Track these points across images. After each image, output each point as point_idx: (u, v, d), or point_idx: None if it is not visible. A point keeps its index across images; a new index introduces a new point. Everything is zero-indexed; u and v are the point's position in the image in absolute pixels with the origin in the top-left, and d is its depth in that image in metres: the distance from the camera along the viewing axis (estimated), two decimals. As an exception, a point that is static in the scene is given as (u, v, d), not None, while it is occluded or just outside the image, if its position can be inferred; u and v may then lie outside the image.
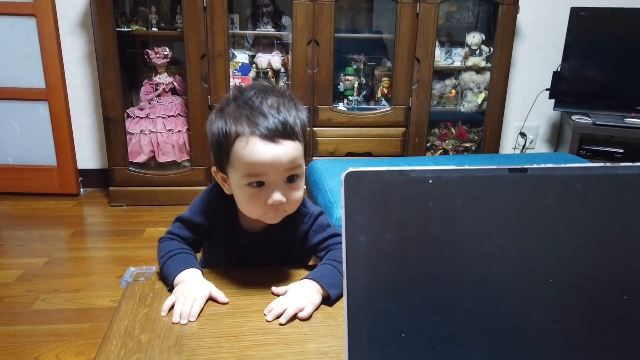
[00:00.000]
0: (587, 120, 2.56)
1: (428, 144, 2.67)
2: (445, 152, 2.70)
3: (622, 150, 2.54)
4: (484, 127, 2.65)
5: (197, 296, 0.75)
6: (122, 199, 2.50)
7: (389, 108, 2.55)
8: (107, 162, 2.53)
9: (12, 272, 1.84)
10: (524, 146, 2.93)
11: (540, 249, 0.49)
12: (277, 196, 0.76)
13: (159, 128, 2.46)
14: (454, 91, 2.67)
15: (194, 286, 0.77)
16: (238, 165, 0.76)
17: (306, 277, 0.79)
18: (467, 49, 2.61)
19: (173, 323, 0.72)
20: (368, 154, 2.54)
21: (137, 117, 2.48)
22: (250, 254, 0.90)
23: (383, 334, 0.48)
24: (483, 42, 2.60)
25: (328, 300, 0.77)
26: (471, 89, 2.65)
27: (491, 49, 2.57)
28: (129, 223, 2.31)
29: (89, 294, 1.72)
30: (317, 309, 0.76)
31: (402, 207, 0.47)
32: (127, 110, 2.48)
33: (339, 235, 0.86)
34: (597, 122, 2.50)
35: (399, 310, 0.48)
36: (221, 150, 0.77)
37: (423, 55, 2.46)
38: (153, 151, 2.49)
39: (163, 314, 0.74)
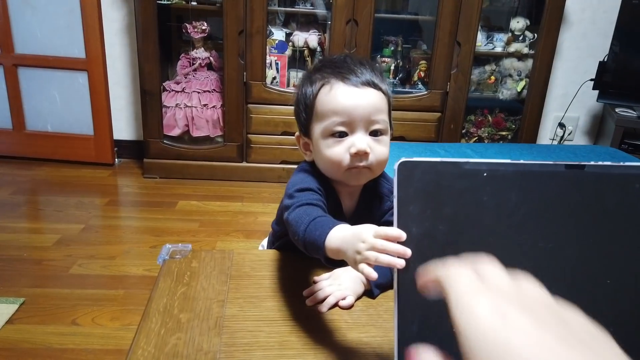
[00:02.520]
0: (631, 113, 2.47)
1: (463, 131, 2.62)
2: (480, 139, 2.65)
3: (667, 147, 2.45)
4: (522, 116, 2.58)
5: (377, 230, 0.55)
6: (155, 171, 2.55)
7: (425, 92, 2.50)
8: (141, 134, 2.58)
9: (50, 237, 1.91)
10: (562, 137, 2.84)
11: (597, 248, 0.47)
12: (361, 144, 0.73)
13: (194, 102, 2.48)
14: (493, 77, 2.60)
15: (360, 233, 0.57)
16: (321, 114, 0.76)
17: None
18: (510, 34, 2.53)
19: (400, 268, 0.47)
20: (401, 138, 2.51)
21: (173, 90, 2.50)
22: None
23: (433, 327, 0.46)
24: (527, 28, 2.51)
25: (371, 292, 0.77)
26: (511, 76, 2.57)
27: (535, 35, 2.48)
28: (162, 195, 2.36)
29: (124, 262, 1.78)
30: (358, 299, 0.76)
31: (456, 199, 0.46)
32: (164, 84, 2.50)
33: None
34: (643, 116, 2.40)
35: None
36: (306, 108, 0.78)
37: (464, 39, 2.39)
38: (187, 125, 2.52)
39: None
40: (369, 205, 0.85)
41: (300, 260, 0.82)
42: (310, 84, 0.78)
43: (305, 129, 0.80)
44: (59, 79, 2.53)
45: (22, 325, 1.41)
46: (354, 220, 0.84)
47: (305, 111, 0.79)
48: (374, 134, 0.75)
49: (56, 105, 2.58)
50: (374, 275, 0.54)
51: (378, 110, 0.75)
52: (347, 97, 0.74)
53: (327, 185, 0.81)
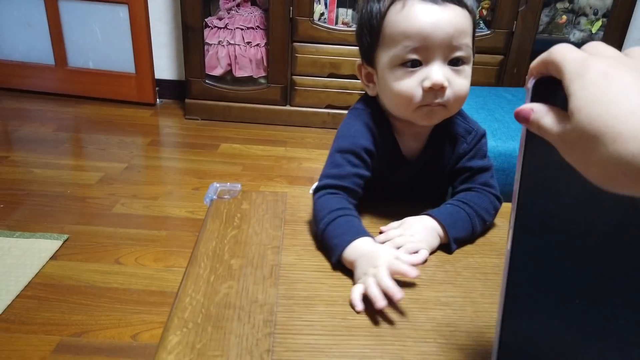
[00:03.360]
0: None
1: (526, 77, 2.40)
2: (544, 87, 2.42)
3: None
4: (594, 61, 2.33)
5: (391, 262, 0.56)
6: (197, 112, 2.47)
7: (488, 32, 2.28)
8: (183, 73, 2.49)
9: (93, 174, 1.88)
10: (636, 87, 2.57)
11: None
12: (438, 76, 0.60)
13: (237, 40, 2.35)
14: (564, 17, 2.33)
15: (377, 257, 0.57)
16: (390, 39, 0.62)
17: (430, 213, 0.66)
18: (589, -34, 2.24)
19: (380, 307, 0.53)
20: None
21: (215, 27, 2.37)
22: (407, 183, 0.76)
23: (542, 298, 0.42)
24: (610, -41, 2.22)
25: (448, 246, 0.66)
26: (586, 15, 2.31)
27: (619, -33, 2.19)
28: (204, 137, 2.29)
29: (166, 202, 1.73)
30: (432, 253, 0.65)
31: None
32: (206, 20, 2.37)
33: (491, 172, 0.73)
34: None
35: (566, 279, 0.40)
36: (372, 30, 0.65)
37: (537, -29, 2.14)
38: (230, 65, 2.41)
39: (358, 308, 0.55)
40: (440, 149, 0.72)
41: (361, 208, 0.72)
42: (379, 1, 0.64)
43: (369, 57, 0.67)
44: (99, 12, 2.44)
45: (66, 262, 1.39)
46: (420, 166, 0.73)
47: (370, 34, 0.65)
48: (454, 62, 0.62)
49: (97, 41, 2.50)
50: (358, 307, 0.55)
51: (461, 33, 0.61)
52: (424, 17, 0.60)
53: (385, 130, 0.70)
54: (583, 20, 2.31)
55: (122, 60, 2.53)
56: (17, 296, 1.24)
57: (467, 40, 0.63)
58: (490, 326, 0.55)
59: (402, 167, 0.73)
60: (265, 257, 0.65)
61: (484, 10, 2.34)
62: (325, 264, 0.64)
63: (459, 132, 0.71)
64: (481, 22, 2.35)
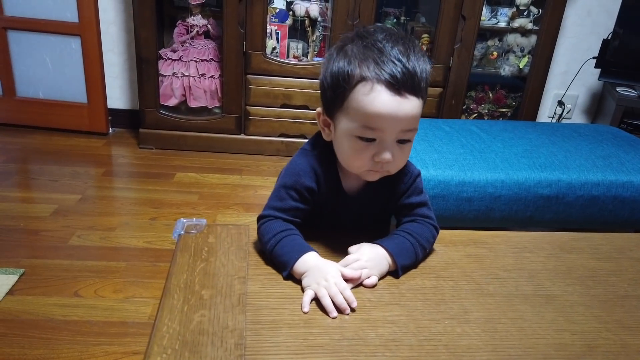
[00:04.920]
0: (632, 93, 2.47)
1: (463, 107, 2.60)
2: (480, 116, 2.64)
3: (665, 127, 2.46)
4: (523, 92, 2.57)
5: (338, 282, 0.69)
6: (151, 142, 2.50)
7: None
8: (136, 102, 2.51)
9: (46, 207, 1.87)
10: (560, 115, 2.84)
11: None
12: (387, 156, 0.70)
13: (191, 72, 2.42)
14: (495, 53, 2.57)
15: (325, 272, 0.70)
16: (354, 114, 0.70)
17: (381, 244, 0.76)
18: (514, 9, 2.48)
19: (333, 318, 0.66)
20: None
21: (169, 59, 2.43)
22: (347, 216, 0.85)
23: None
24: (532, 3, 2.47)
25: (395, 272, 0.76)
26: (514, 52, 2.55)
27: (540, 10, 2.45)
28: (159, 166, 2.32)
29: (123, 233, 1.75)
30: (382, 278, 0.76)
31: None
32: (160, 52, 2.42)
33: (428, 206, 0.84)
34: (643, 96, 2.41)
35: None
36: (337, 92, 0.71)
37: (469, 13, 2.35)
38: (184, 95, 2.46)
39: (305, 309, 0.67)
40: (379, 188, 0.81)
41: (318, 237, 0.81)
42: (347, 62, 0.70)
43: (330, 111, 0.75)
44: (50, 43, 2.44)
45: (23, 297, 1.39)
46: (361, 201, 0.84)
47: (335, 94, 0.72)
48: (402, 141, 0.72)
49: (48, 72, 2.49)
50: (305, 309, 0.68)
51: (414, 120, 0.70)
52: (386, 106, 0.67)
53: (330, 169, 0.80)
54: (512, 56, 2.55)
55: (73, 90, 2.52)
56: (-26, 333, 1.23)
57: (417, 124, 0.72)
58: (429, 339, 0.65)
59: (344, 202, 0.83)
60: (232, 286, 0.72)
61: (423, 46, 2.53)
62: (287, 291, 0.72)
63: (396, 175, 0.79)
64: (422, 57, 2.54)
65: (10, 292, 1.39)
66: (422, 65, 0.70)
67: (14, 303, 1.36)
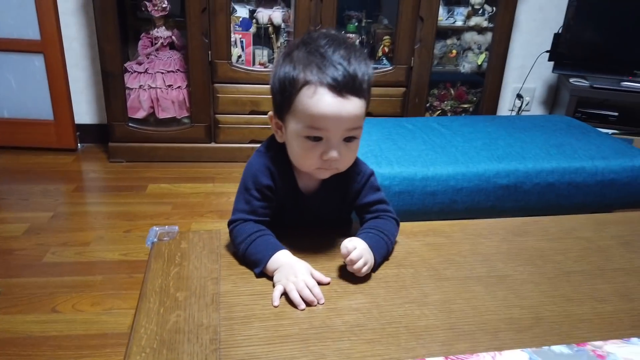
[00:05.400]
0: (584, 83, 2.59)
1: (427, 105, 2.69)
2: (444, 112, 2.73)
3: (616, 114, 2.60)
4: (482, 88, 2.67)
5: (306, 279, 0.74)
6: (121, 155, 2.50)
7: (390, 67, 2.54)
8: (103, 117, 2.52)
9: (18, 226, 1.86)
10: (520, 108, 2.96)
11: None
12: (333, 154, 0.75)
13: (158, 84, 2.44)
14: (454, 51, 2.66)
15: (295, 269, 0.75)
16: (300, 115, 0.74)
17: (364, 240, 0.80)
18: (470, 8, 2.59)
19: (301, 310, 0.71)
20: (368, 114, 2.54)
21: (135, 71, 2.44)
22: (305, 213, 0.90)
23: None
24: (486, 2, 2.58)
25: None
26: (472, 50, 2.65)
27: (494, 8, 2.55)
28: (131, 179, 2.33)
29: (99, 247, 1.76)
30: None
31: None
32: (125, 65, 2.44)
33: (386, 202, 0.89)
34: (594, 85, 2.54)
35: None
36: (285, 96, 0.76)
37: (427, 14, 2.44)
38: (153, 107, 2.48)
39: (275, 303, 0.72)
40: (333, 187, 0.86)
41: (285, 236, 0.86)
42: (293, 67, 0.74)
43: (280, 114, 0.79)
44: (13, 62, 2.42)
45: (1, 316, 1.39)
46: (317, 200, 0.88)
47: (283, 98, 0.76)
48: (348, 138, 0.77)
49: (12, 90, 2.47)
50: (275, 303, 0.73)
51: (357, 119, 0.75)
52: (330, 108, 0.72)
53: (286, 170, 0.84)
54: (470, 53, 2.65)
55: (39, 107, 2.51)
56: (-48, 355, 1.23)
57: (361, 123, 0.76)
58: (391, 322, 0.70)
59: (301, 200, 0.87)
60: (206, 287, 0.76)
61: (385, 48, 2.61)
62: (258, 288, 0.76)
63: (349, 174, 0.85)
64: (384, 58, 2.62)
65: (-14, 313, 1.40)
66: (363, 68, 0.74)
67: (-9, 323, 1.36)
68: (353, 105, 0.73)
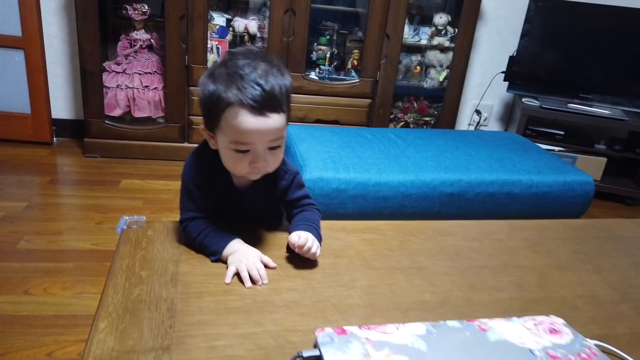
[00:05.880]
0: (534, 103, 2.81)
1: (391, 116, 2.86)
2: (407, 124, 2.90)
3: (562, 133, 2.81)
4: (443, 103, 2.86)
5: (255, 262, 0.86)
6: (96, 150, 2.60)
7: (357, 80, 2.71)
8: (80, 113, 2.61)
9: (-7, 214, 1.95)
10: (478, 123, 3.16)
11: None
12: (261, 163, 0.86)
13: (135, 84, 2.54)
14: (418, 67, 2.84)
15: (247, 254, 0.87)
16: (226, 132, 0.83)
17: (307, 231, 0.93)
18: (434, 28, 2.77)
19: (247, 288, 0.83)
20: (335, 122, 2.71)
21: (113, 71, 2.54)
22: (242, 208, 1.02)
23: None
24: (449, 23, 2.77)
25: None
26: (434, 67, 2.83)
27: (456, 30, 2.74)
28: (104, 174, 2.43)
29: (71, 237, 1.86)
30: None
31: None
32: (104, 64, 2.53)
33: (310, 196, 1.04)
34: (544, 106, 2.75)
35: None
36: (211, 113, 0.84)
37: (392, 32, 2.61)
38: (129, 106, 2.58)
39: (227, 281, 0.84)
40: (264, 184, 0.98)
41: (239, 229, 0.99)
42: (216, 88, 0.81)
43: (209, 126, 0.88)
44: (-7, 56, 2.50)
45: (-25, 297, 1.49)
46: (251, 196, 1.00)
47: (210, 115, 0.85)
48: (272, 148, 0.87)
49: (-9, 83, 2.55)
50: (228, 280, 0.85)
51: (278, 131, 0.84)
52: (252, 126, 0.80)
53: (221, 170, 0.92)
54: (433, 70, 2.84)
55: (17, 101, 2.58)
56: None
57: (283, 133, 0.86)
58: (322, 300, 0.84)
59: (237, 196, 0.99)
60: (167, 268, 0.89)
61: (355, 61, 2.77)
62: (212, 270, 0.89)
63: (277, 173, 0.96)
64: (352, 71, 2.79)
65: (-39, 293, 1.49)
66: (280, 83, 0.83)
67: (-35, 302, 1.45)
68: (273, 121, 0.82)
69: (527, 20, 2.74)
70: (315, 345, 0.71)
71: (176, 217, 2.07)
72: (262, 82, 0.80)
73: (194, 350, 0.70)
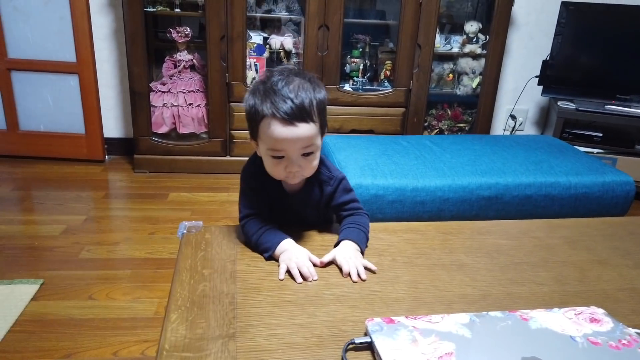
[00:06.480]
0: (571, 105, 2.80)
1: (425, 124, 2.91)
2: (441, 131, 2.94)
3: (601, 134, 2.79)
4: (477, 109, 2.89)
5: (304, 260, 0.93)
6: (145, 166, 2.75)
7: (391, 89, 2.77)
8: (130, 131, 2.77)
9: (56, 227, 2.10)
10: (513, 127, 3.16)
11: None
12: (294, 168, 0.95)
13: (180, 102, 2.69)
14: (451, 75, 2.89)
15: (297, 253, 0.95)
16: (264, 140, 0.94)
17: (344, 239, 1.01)
18: (465, 36, 2.82)
19: (298, 283, 0.91)
20: (370, 132, 2.78)
21: (159, 91, 2.70)
22: (291, 210, 1.10)
23: None
24: (480, 31, 2.80)
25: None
26: (467, 74, 2.87)
27: (487, 37, 2.78)
28: (154, 188, 2.57)
29: (127, 246, 1.99)
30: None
31: None
32: (150, 85, 2.69)
33: (357, 201, 1.11)
34: (580, 108, 2.73)
35: None
36: (252, 124, 0.95)
37: (424, 42, 2.67)
38: (174, 123, 2.73)
39: (281, 277, 0.92)
40: (311, 189, 1.06)
41: (289, 232, 1.06)
42: (254, 102, 0.93)
43: (252, 136, 0.99)
44: (51, 81, 2.70)
45: (45, 302, 1.62)
46: (299, 200, 1.09)
47: (251, 125, 0.96)
48: (306, 154, 0.95)
49: (48, 107, 2.75)
50: (281, 277, 0.93)
51: (309, 139, 0.93)
52: (283, 135, 0.90)
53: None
54: (465, 77, 2.87)
55: (72, 122, 2.77)
56: (8, 332, 1.45)
57: (314, 141, 0.93)
58: (369, 294, 0.91)
59: (286, 199, 1.08)
60: (225, 267, 0.98)
61: (387, 72, 2.84)
62: (266, 268, 0.97)
63: (323, 179, 1.05)
64: (385, 81, 2.85)
65: (34, 299, 1.62)
66: (311, 96, 0.92)
67: (38, 307, 1.59)
68: (302, 130, 0.91)
69: (559, 24, 2.75)
70: (366, 334, 0.77)
71: (225, 224, 2.18)
72: (292, 96, 0.90)
73: (256, 337, 0.78)
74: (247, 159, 1.09)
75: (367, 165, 1.85)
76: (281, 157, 0.95)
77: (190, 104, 2.71)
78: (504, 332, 0.78)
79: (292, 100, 0.90)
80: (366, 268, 0.96)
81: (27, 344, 1.42)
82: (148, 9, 2.55)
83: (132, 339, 1.48)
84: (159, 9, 2.59)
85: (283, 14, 2.73)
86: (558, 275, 1.02)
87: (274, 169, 0.98)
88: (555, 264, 1.06)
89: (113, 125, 2.93)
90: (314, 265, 0.97)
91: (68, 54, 2.65)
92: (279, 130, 0.90)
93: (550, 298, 0.94)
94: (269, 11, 2.74)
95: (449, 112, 2.94)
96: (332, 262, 0.98)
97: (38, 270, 1.78)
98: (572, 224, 1.26)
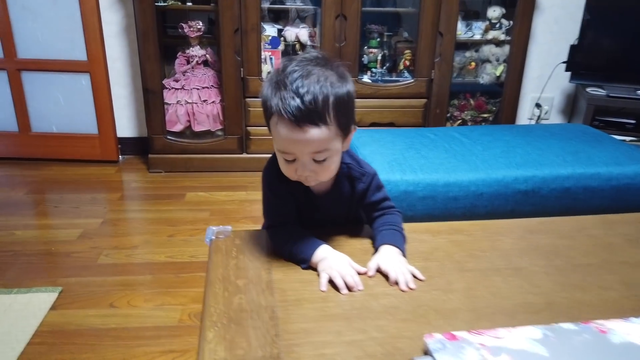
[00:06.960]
0: (601, 92, 2.68)
1: (448, 115, 2.80)
2: (464, 122, 2.84)
3: (633, 121, 2.67)
4: (501, 98, 2.78)
5: (347, 268, 0.85)
6: (160, 166, 2.68)
7: (411, 80, 2.67)
8: (143, 130, 2.70)
9: (73, 231, 2.04)
10: (539, 117, 3.05)
11: None
12: (304, 172, 0.85)
13: (194, 99, 2.61)
14: (473, 63, 2.77)
15: (337, 260, 0.86)
16: (274, 137, 0.85)
17: (384, 244, 0.92)
18: (487, 22, 2.70)
19: (343, 294, 0.82)
20: (391, 124, 2.68)
21: (173, 88, 2.62)
22: (319, 212, 1.01)
23: None
24: (503, 16, 2.69)
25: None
26: (490, 61, 2.76)
27: (511, 22, 2.66)
28: (170, 188, 2.50)
29: (146, 250, 1.92)
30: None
31: None
32: (163, 82, 2.62)
33: (389, 199, 1.01)
34: (611, 94, 2.62)
35: None
36: (265, 117, 0.86)
37: (445, 29, 2.56)
38: (189, 120, 2.65)
39: (323, 288, 0.83)
40: (342, 188, 0.98)
41: (321, 236, 0.98)
42: (267, 93, 0.82)
43: (269, 129, 0.88)
44: (61, 81, 2.63)
45: (65, 311, 1.55)
46: (329, 200, 0.99)
47: (265, 118, 0.86)
48: (318, 160, 0.84)
49: (60, 107, 2.68)
50: (323, 288, 0.85)
51: (320, 145, 0.81)
52: (290, 138, 0.80)
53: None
54: (488, 65, 2.76)
55: (84, 122, 2.71)
56: (28, 344, 1.39)
57: (327, 146, 0.82)
58: (422, 305, 0.82)
59: (315, 201, 0.99)
60: (261, 276, 0.90)
61: (407, 62, 2.74)
62: (305, 277, 0.89)
63: (355, 176, 0.96)
64: (405, 71, 2.75)
65: (52, 308, 1.56)
66: (329, 92, 0.79)
67: (57, 317, 1.52)
68: (311, 135, 0.80)
69: (588, 7, 2.62)
70: (426, 352, 0.69)
71: (243, 227, 2.10)
72: (303, 92, 0.78)
73: (303, 358, 0.70)
74: (264, 156, 0.99)
75: (395, 160, 1.76)
76: (292, 160, 0.85)
77: (204, 101, 2.63)
78: (583, 348, 0.70)
79: (301, 98, 0.77)
80: (413, 275, 0.88)
81: (47, 357, 1.36)
82: (159, 4, 2.47)
83: (156, 349, 1.41)
84: (170, 3, 2.51)
85: (298, 4, 2.63)
86: (625, 277, 0.93)
87: (286, 170, 0.89)
88: (619, 265, 0.97)
89: (126, 125, 2.86)
90: (358, 273, 0.88)
91: (78, 53, 2.58)
92: (285, 132, 0.80)
93: (622, 305, 0.85)
94: (282, 1, 2.64)
95: (472, 102, 2.83)
96: (377, 270, 0.90)
97: (56, 277, 1.72)
98: (630, 219, 1.17)
